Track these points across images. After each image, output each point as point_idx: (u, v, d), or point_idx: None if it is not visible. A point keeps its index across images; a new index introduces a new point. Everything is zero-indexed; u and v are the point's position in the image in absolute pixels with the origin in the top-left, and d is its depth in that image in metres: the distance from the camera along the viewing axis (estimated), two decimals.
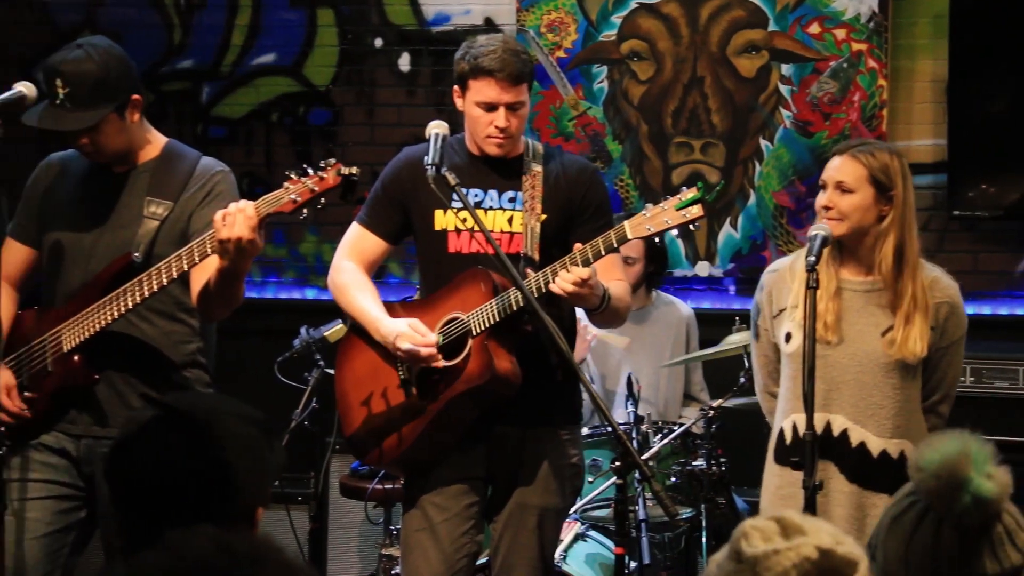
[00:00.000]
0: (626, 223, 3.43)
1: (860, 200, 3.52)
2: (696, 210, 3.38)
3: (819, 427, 3.49)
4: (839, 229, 3.53)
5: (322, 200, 3.38)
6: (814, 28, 5.84)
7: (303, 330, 5.22)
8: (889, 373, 3.53)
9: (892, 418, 3.53)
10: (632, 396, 4.66)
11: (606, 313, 3.58)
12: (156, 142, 3.67)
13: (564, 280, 3.40)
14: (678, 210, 3.39)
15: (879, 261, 3.54)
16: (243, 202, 3.30)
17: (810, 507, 3.22)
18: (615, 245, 3.43)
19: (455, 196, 3.47)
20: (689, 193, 3.40)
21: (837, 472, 3.54)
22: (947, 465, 1.94)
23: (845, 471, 3.53)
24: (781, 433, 3.62)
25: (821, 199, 3.57)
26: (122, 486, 1.95)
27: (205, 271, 3.42)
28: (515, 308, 3.45)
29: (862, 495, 3.53)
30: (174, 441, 1.94)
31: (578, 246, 3.44)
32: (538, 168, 3.68)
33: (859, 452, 3.53)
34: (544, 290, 3.45)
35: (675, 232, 3.41)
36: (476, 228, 3.44)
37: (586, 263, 3.42)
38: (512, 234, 3.64)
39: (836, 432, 3.54)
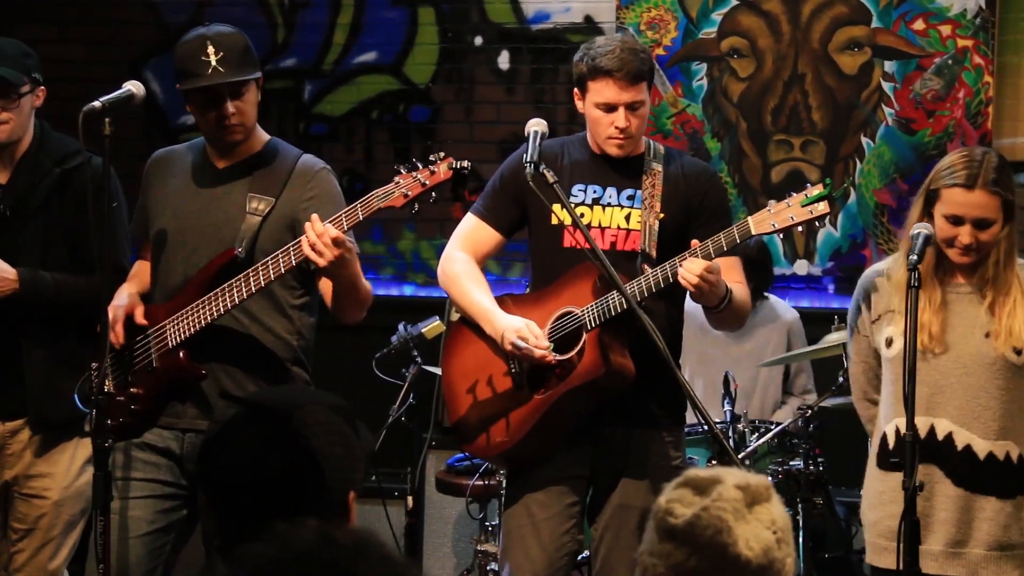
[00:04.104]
0: (750, 219, 3.40)
1: (998, 229, 3.42)
2: (823, 207, 3.34)
3: (923, 431, 3.44)
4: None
5: (433, 194, 3.39)
6: (918, 24, 5.76)
7: (401, 326, 5.26)
8: (994, 374, 3.47)
9: (998, 420, 3.47)
10: (728, 394, 4.63)
11: (725, 312, 3.52)
12: (259, 137, 3.70)
13: (689, 270, 3.36)
14: (804, 206, 3.35)
15: (989, 264, 3.47)
16: (317, 225, 3.33)
17: (910, 508, 3.18)
18: (738, 240, 3.40)
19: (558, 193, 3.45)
20: (815, 189, 3.36)
21: (943, 476, 3.48)
22: None
23: (951, 475, 3.47)
24: (884, 438, 3.57)
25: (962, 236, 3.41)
26: (214, 486, 1.97)
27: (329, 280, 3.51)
28: (627, 306, 3.40)
29: (969, 498, 3.47)
30: (258, 435, 1.96)
31: (695, 242, 3.42)
32: (659, 168, 3.65)
33: (965, 455, 3.47)
34: (662, 286, 3.42)
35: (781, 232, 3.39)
36: (574, 224, 3.44)
37: (707, 258, 3.38)
38: (629, 231, 3.63)
39: (941, 436, 3.48)
